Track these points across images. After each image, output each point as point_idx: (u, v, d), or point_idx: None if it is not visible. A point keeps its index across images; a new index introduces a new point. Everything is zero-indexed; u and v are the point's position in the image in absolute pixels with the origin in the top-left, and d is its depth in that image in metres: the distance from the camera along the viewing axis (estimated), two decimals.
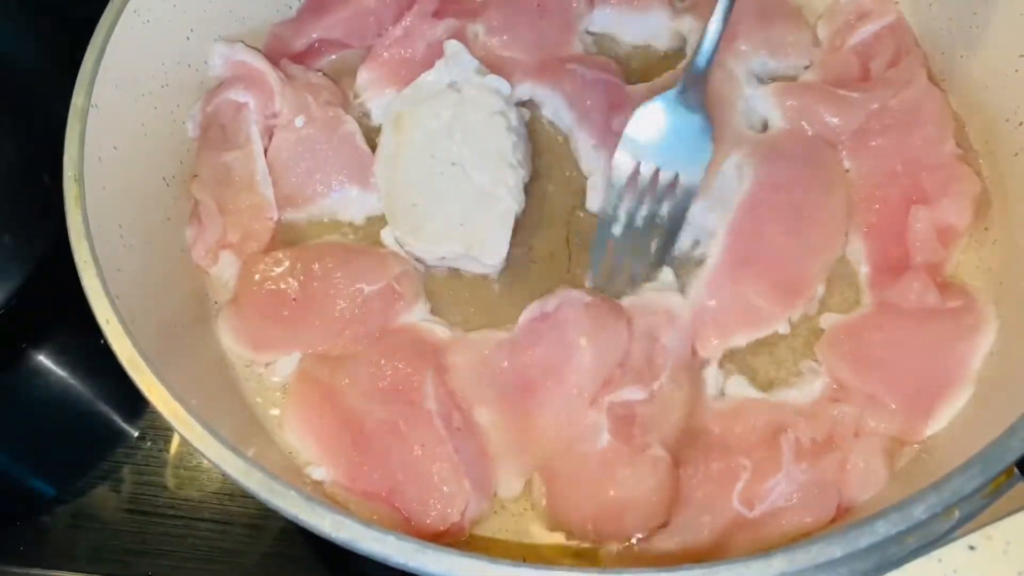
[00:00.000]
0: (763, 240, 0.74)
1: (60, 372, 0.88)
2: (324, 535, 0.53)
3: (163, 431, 0.84)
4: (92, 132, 0.69)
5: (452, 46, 0.81)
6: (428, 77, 0.81)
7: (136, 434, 0.84)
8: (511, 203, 0.76)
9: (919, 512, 0.50)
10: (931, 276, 0.70)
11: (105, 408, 0.86)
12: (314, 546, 0.79)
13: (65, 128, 0.68)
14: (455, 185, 0.76)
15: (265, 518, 0.80)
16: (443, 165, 0.77)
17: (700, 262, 0.76)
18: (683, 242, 0.76)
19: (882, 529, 0.50)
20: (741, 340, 0.73)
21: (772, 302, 0.72)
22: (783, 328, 0.73)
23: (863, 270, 0.74)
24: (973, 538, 0.50)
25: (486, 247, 0.75)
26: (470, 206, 0.76)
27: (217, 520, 0.80)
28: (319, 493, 0.67)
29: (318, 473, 0.69)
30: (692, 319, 0.72)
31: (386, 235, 0.79)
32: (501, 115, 0.78)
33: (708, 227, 0.76)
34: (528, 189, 0.79)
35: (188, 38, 0.81)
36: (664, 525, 0.65)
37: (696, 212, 0.75)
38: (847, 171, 0.78)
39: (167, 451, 0.83)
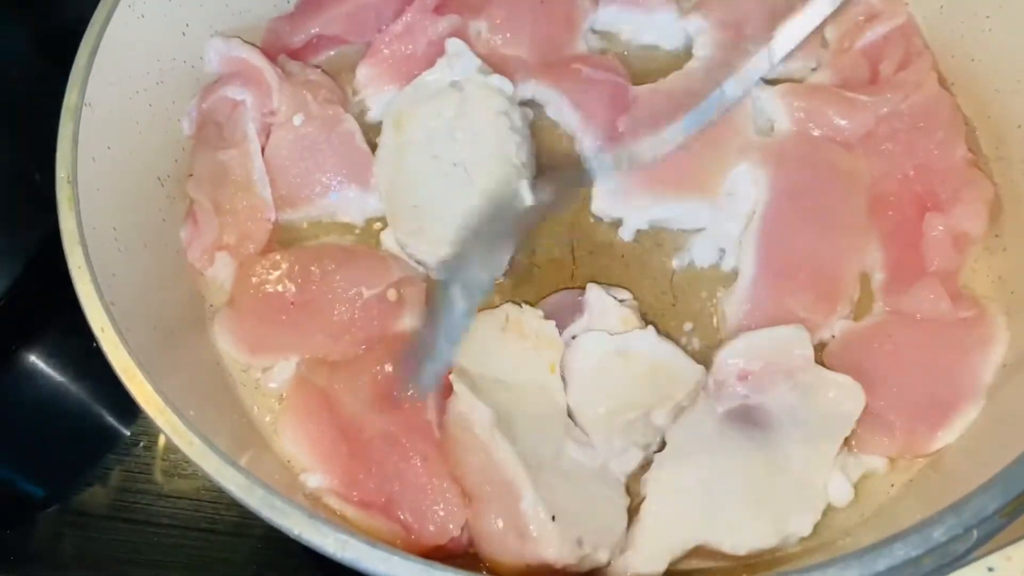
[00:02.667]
0: (796, 250, 0.73)
1: (51, 373, 0.87)
2: (328, 555, 0.51)
3: (155, 434, 0.82)
4: (85, 131, 0.67)
5: (454, 44, 0.80)
6: (429, 76, 0.80)
7: (128, 434, 0.83)
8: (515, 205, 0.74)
9: (938, 534, 0.49)
10: (945, 284, 0.69)
11: (97, 410, 0.85)
12: (303, 552, 0.78)
13: (55, 123, 0.67)
14: (457, 186, 0.75)
15: (255, 525, 0.78)
16: (445, 166, 0.76)
17: (730, 275, 0.75)
18: (708, 253, 0.76)
19: (900, 551, 0.49)
20: None
21: (817, 312, 0.71)
22: (827, 335, 0.71)
23: (877, 276, 0.73)
24: (992, 559, 0.49)
25: None
26: (473, 208, 0.74)
27: (207, 525, 0.79)
28: (315, 501, 0.66)
29: (314, 480, 0.67)
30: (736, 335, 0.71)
31: (386, 237, 0.77)
32: (504, 115, 0.77)
33: (730, 235, 0.75)
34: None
35: (184, 33, 0.79)
36: None
37: (714, 220, 0.75)
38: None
39: (159, 454, 0.81)
